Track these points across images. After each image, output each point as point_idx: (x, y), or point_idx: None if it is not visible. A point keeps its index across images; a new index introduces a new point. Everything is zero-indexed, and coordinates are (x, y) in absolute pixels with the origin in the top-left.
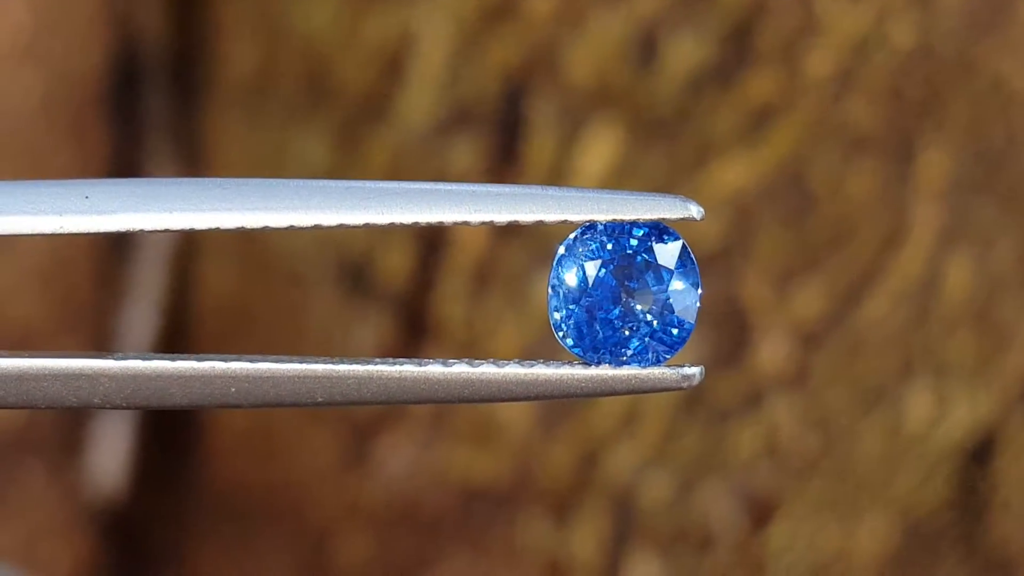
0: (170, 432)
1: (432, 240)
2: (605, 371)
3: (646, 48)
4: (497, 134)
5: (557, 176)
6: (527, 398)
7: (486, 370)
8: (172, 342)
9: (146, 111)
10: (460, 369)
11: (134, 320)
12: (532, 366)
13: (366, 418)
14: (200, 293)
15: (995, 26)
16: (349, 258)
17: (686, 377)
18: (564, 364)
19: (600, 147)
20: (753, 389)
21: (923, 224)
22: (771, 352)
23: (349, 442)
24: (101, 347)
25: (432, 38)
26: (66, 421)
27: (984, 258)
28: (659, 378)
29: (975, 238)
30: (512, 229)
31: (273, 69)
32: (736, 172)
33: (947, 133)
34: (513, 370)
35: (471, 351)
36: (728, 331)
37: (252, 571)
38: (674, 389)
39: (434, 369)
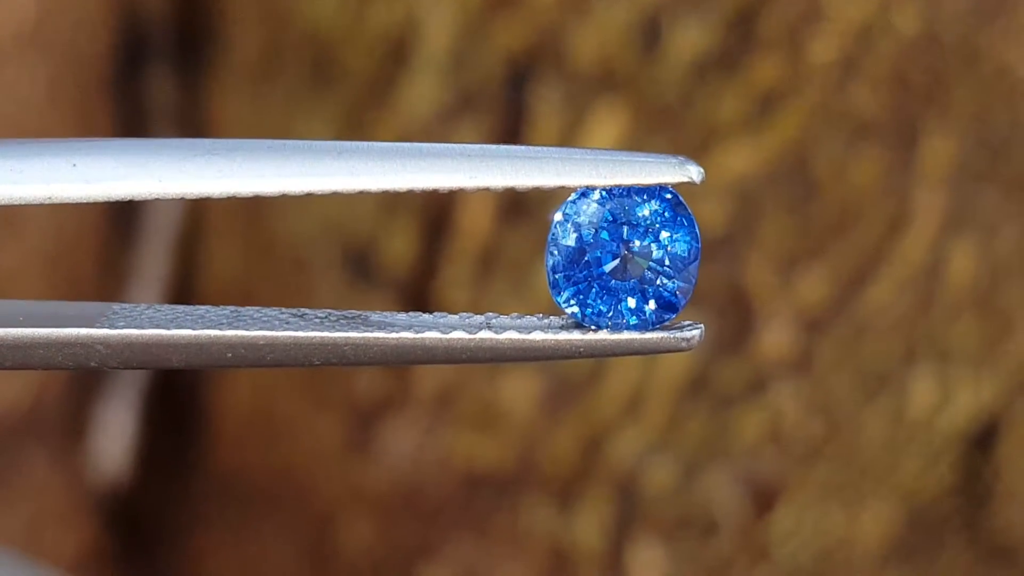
0: (174, 417)
1: (436, 225)
2: (603, 335)
3: (651, 33)
4: (501, 119)
5: None
6: (525, 360)
7: (484, 336)
8: None
9: (151, 95)
10: (458, 335)
11: (139, 302)
12: (530, 332)
13: (370, 403)
14: (204, 276)
15: (1000, 13)
16: (353, 243)
17: (686, 338)
18: (562, 330)
19: (604, 132)
20: (757, 375)
21: (927, 211)
22: (775, 338)
23: (353, 427)
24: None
25: (436, 23)
26: (70, 406)
27: (987, 245)
28: (658, 340)
29: (979, 225)
30: (516, 213)
31: (278, 54)
32: (740, 158)
33: (951, 120)
34: (510, 336)
35: None
36: (732, 317)
37: (255, 555)
38: (674, 351)
39: (432, 335)
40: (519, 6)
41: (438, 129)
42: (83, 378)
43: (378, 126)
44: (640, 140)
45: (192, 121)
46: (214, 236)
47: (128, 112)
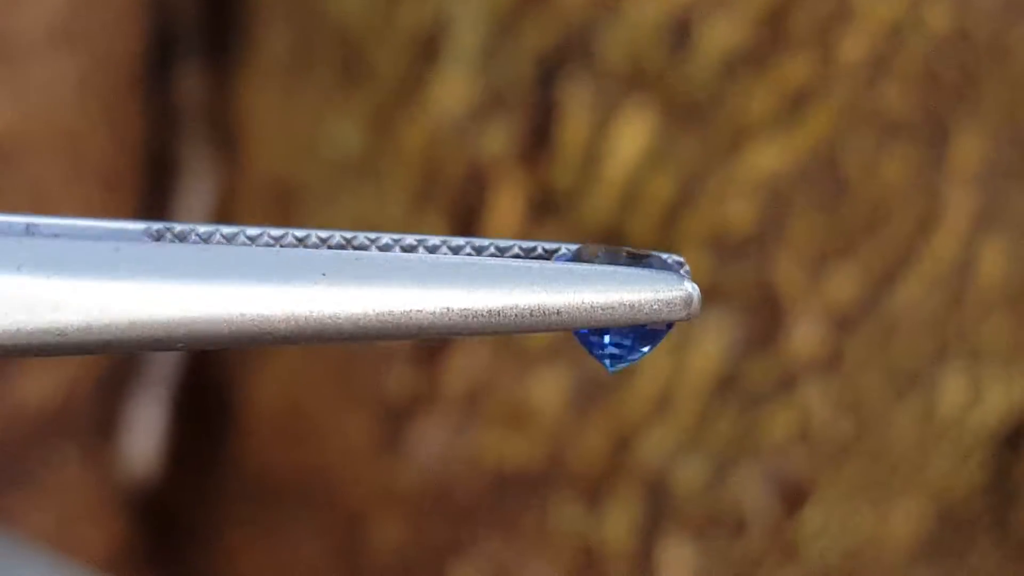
0: (204, 415)
1: (466, 223)
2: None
3: (680, 32)
4: (531, 118)
5: (590, 160)
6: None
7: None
8: None
9: (181, 93)
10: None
11: None
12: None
13: (399, 402)
14: None
15: None
16: None
17: (685, 292)
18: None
19: (634, 131)
20: (786, 373)
21: (957, 208)
22: (804, 336)
23: (382, 426)
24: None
25: (466, 21)
26: (101, 404)
27: (1018, 242)
28: (655, 295)
29: (1009, 222)
30: (545, 211)
31: (308, 52)
32: (770, 156)
33: (982, 118)
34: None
35: (502, 343)
36: (761, 315)
37: (284, 553)
38: (674, 316)
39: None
40: (549, 4)
41: (467, 127)
42: (113, 376)
43: (407, 124)
44: (669, 138)
45: (221, 119)
46: None
47: (158, 109)
